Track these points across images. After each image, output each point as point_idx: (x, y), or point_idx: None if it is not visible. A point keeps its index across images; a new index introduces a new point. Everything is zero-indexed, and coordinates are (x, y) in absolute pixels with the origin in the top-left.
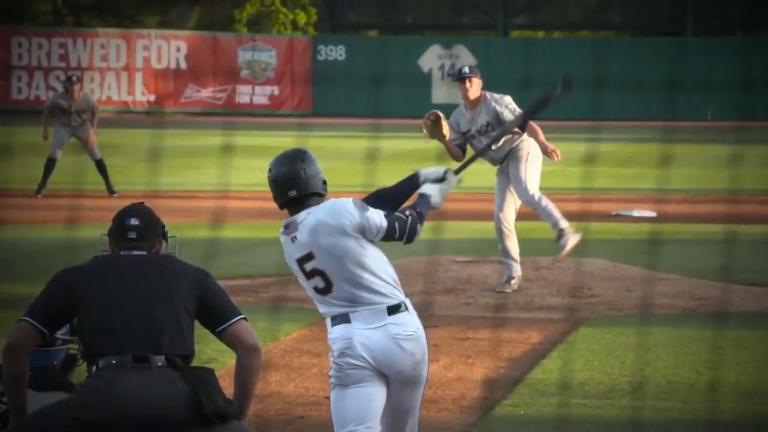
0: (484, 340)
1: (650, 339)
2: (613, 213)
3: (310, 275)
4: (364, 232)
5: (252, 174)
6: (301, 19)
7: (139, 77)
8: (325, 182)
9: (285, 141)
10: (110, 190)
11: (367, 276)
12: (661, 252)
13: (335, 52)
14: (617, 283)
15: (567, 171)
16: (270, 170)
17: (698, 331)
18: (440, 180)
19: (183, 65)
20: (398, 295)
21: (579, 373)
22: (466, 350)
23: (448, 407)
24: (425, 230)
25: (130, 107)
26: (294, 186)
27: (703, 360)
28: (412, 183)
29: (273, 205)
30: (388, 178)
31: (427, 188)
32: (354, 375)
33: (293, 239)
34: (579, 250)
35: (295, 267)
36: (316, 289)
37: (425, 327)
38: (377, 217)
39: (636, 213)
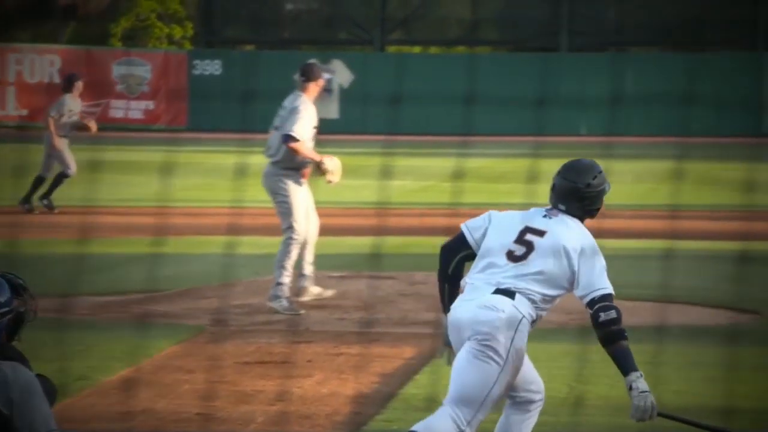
0: (357, 356)
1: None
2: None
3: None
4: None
5: (121, 189)
6: (177, 33)
7: (11, 91)
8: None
9: (156, 156)
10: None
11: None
12: None
13: (211, 67)
14: None
15: (440, 186)
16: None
17: (569, 345)
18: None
19: (56, 79)
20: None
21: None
22: (339, 366)
23: (321, 423)
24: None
25: (2, 122)
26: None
27: (574, 374)
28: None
29: (143, 220)
30: (258, 193)
31: None
32: None
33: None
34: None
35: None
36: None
37: (298, 342)
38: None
39: None
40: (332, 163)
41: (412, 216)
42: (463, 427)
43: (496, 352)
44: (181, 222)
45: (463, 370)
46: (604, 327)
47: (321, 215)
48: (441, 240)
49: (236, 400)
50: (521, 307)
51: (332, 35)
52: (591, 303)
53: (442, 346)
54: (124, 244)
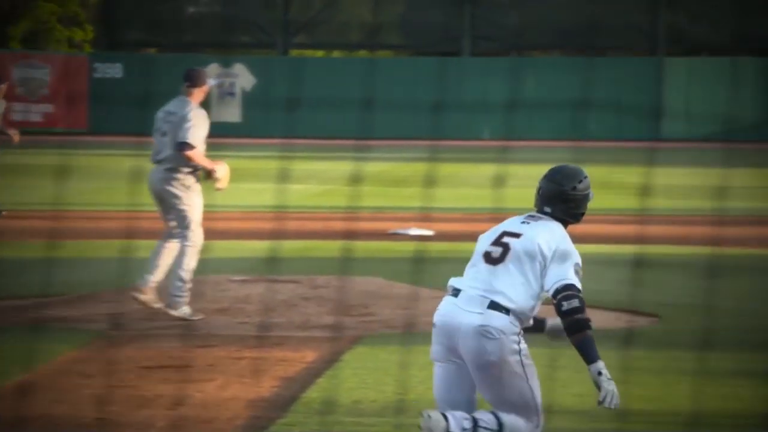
0: (259, 360)
1: (425, 357)
2: (390, 232)
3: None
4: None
5: (18, 193)
6: (78, 36)
7: None
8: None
9: (54, 160)
10: None
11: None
12: (437, 270)
13: (112, 70)
14: (393, 302)
15: (341, 190)
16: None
17: None
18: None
19: None
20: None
21: (354, 391)
22: (241, 370)
23: (221, 427)
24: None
25: None
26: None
27: None
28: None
29: (40, 223)
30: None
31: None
32: None
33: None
34: (358, 268)
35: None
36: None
37: (199, 346)
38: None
39: (413, 232)
40: (222, 171)
41: (313, 219)
42: (534, 424)
43: (513, 371)
44: (79, 226)
45: (496, 394)
46: (568, 316)
47: (222, 219)
48: (341, 244)
49: (136, 405)
50: (515, 321)
51: (234, 39)
52: (555, 293)
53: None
54: (21, 248)
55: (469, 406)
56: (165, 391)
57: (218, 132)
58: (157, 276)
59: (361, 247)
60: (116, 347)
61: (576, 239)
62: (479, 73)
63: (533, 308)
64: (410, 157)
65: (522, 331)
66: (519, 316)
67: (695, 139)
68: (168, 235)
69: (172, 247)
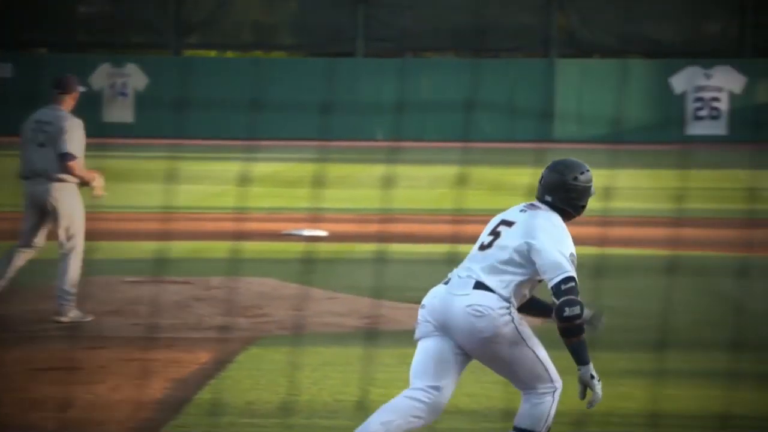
0: (151, 361)
1: (319, 358)
2: (284, 232)
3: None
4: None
5: None
6: None
7: None
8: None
9: None
10: None
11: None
12: (332, 271)
13: (2, 70)
14: (287, 303)
15: (233, 191)
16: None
17: (366, 349)
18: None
19: None
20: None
21: (247, 392)
22: (133, 371)
23: (113, 429)
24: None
25: None
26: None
27: (370, 378)
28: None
29: None
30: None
31: None
32: None
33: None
34: (251, 269)
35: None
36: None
37: (91, 348)
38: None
39: (307, 232)
40: (99, 182)
41: (205, 220)
42: (553, 387)
43: (511, 339)
44: None
45: (504, 367)
46: (567, 321)
47: (113, 220)
48: (234, 245)
49: (25, 408)
50: (502, 294)
51: (126, 39)
52: (556, 289)
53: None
54: None
55: (443, 378)
56: (54, 393)
57: (111, 132)
58: (8, 274)
59: (255, 248)
60: (4, 349)
61: (463, 240)
62: (373, 74)
63: (521, 288)
64: (304, 158)
65: (513, 304)
66: (505, 293)
67: (586, 140)
68: (24, 243)
69: (24, 255)
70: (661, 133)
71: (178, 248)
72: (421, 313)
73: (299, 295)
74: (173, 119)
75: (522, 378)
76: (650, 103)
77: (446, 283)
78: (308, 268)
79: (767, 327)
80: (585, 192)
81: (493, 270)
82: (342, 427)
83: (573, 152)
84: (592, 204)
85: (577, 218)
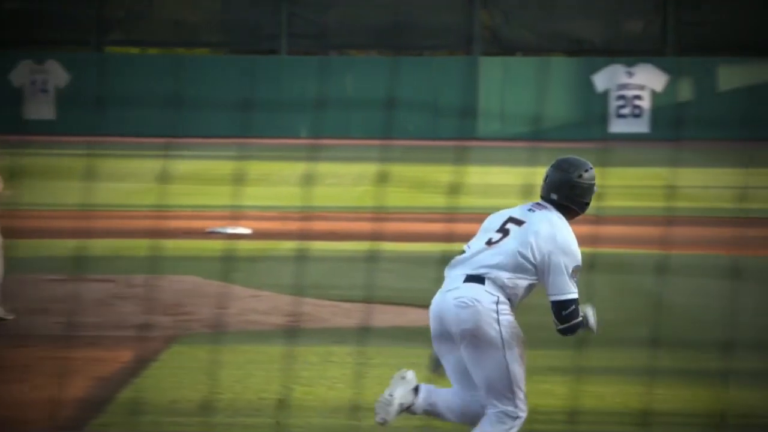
0: (73, 360)
1: (242, 356)
2: (207, 230)
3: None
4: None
5: None
6: None
7: None
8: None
9: None
10: None
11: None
12: (255, 269)
13: None
14: (210, 301)
15: (156, 188)
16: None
17: (290, 347)
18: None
19: None
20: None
21: (170, 391)
22: (54, 370)
23: (35, 428)
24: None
25: None
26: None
27: (294, 376)
28: None
29: None
30: None
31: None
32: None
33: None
34: (175, 267)
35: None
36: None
37: (13, 347)
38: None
39: (230, 230)
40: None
41: (126, 218)
42: (515, 413)
43: (490, 339)
44: None
45: (477, 369)
46: (563, 334)
47: (33, 218)
48: (157, 243)
49: None
50: (493, 290)
51: (48, 35)
52: (556, 314)
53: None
54: None
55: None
56: None
57: (32, 130)
58: None
59: (178, 245)
60: None
61: (387, 238)
62: (296, 72)
63: (521, 289)
64: (228, 156)
65: (505, 303)
66: (500, 288)
67: (510, 138)
68: None
69: None
70: (583, 131)
71: (100, 246)
72: (430, 325)
73: (222, 293)
74: (96, 116)
75: (487, 385)
76: (573, 101)
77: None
78: (231, 266)
79: (686, 323)
80: (589, 189)
81: (497, 268)
82: (265, 425)
83: (496, 150)
84: (510, 202)
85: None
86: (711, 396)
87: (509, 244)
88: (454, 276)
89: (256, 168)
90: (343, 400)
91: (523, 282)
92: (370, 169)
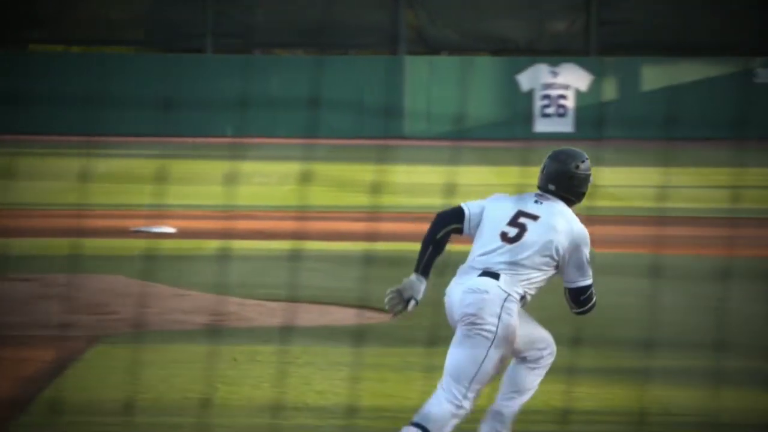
0: None
1: (166, 355)
2: (132, 229)
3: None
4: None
5: None
6: None
7: None
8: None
9: None
10: None
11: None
12: (179, 268)
13: None
14: (134, 300)
15: (79, 187)
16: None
17: (216, 346)
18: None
19: None
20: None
21: (94, 391)
22: None
23: None
24: None
25: None
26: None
27: (219, 375)
28: None
29: None
30: None
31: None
32: None
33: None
34: (100, 266)
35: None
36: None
37: None
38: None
39: (156, 229)
40: None
41: (45, 217)
42: (459, 402)
43: (484, 330)
44: None
45: (455, 349)
46: (577, 314)
47: None
48: (82, 241)
49: None
50: (505, 286)
51: None
52: (574, 299)
53: (401, 300)
54: None
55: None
56: None
57: None
58: None
59: (102, 244)
60: None
61: (310, 237)
62: (222, 71)
63: (535, 283)
64: (151, 154)
65: (514, 302)
66: (515, 284)
67: (435, 137)
68: None
69: None
70: (508, 130)
71: (21, 245)
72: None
73: (146, 292)
74: (15, 115)
75: (453, 366)
76: (498, 100)
77: (456, 276)
78: (156, 265)
79: (607, 322)
80: (586, 180)
81: (517, 265)
82: (189, 424)
83: (421, 149)
84: (433, 201)
85: (417, 215)
86: (631, 394)
87: (529, 239)
88: (469, 269)
89: (181, 167)
90: (268, 399)
91: (543, 276)
92: (296, 168)
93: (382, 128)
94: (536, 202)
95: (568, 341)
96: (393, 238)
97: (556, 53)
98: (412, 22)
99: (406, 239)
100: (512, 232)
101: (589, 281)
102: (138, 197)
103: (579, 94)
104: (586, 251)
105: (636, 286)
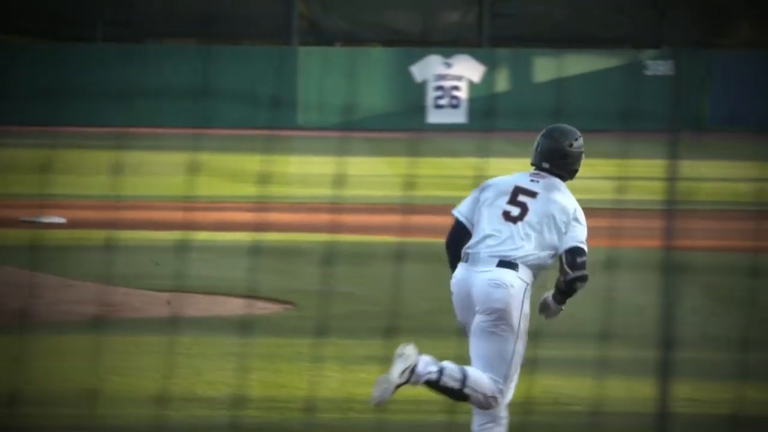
0: None
1: (54, 346)
2: (21, 219)
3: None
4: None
5: None
6: None
7: None
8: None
9: None
10: None
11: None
12: (68, 258)
13: None
14: (22, 290)
15: None
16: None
17: (102, 336)
18: None
19: None
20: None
21: None
22: None
23: None
24: None
25: None
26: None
27: (108, 366)
28: None
29: None
30: None
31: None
32: None
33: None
34: None
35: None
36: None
37: None
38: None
39: (44, 219)
40: None
41: None
42: (501, 386)
43: (509, 325)
44: None
45: (481, 343)
46: (572, 283)
47: None
48: None
49: None
50: (524, 276)
51: None
52: (571, 261)
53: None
54: None
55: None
56: None
57: None
58: None
59: None
60: None
61: (196, 227)
62: (112, 60)
63: (543, 265)
64: (39, 144)
65: (531, 289)
66: (529, 270)
67: (329, 128)
68: None
69: None
70: (402, 121)
71: None
72: (453, 300)
73: (34, 282)
74: None
75: (484, 361)
76: (392, 91)
77: (466, 261)
78: (44, 256)
79: None
80: (579, 157)
81: (526, 248)
82: (75, 415)
83: (314, 140)
84: (325, 191)
85: (309, 205)
86: (519, 383)
87: (532, 219)
88: (484, 258)
89: (69, 157)
90: (157, 390)
91: (549, 254)
92: (185, 158)
93: (275, 119)
94: (532, 180)
95: (455, 331)
96: (283, 228)
97: (449, 44)
98: (305, 12)
99: (296, 230)
100: (514, 211)
101: (586, 245)
102: (26, 187)
103: (472, 86)
104: (582, 219)
105: None
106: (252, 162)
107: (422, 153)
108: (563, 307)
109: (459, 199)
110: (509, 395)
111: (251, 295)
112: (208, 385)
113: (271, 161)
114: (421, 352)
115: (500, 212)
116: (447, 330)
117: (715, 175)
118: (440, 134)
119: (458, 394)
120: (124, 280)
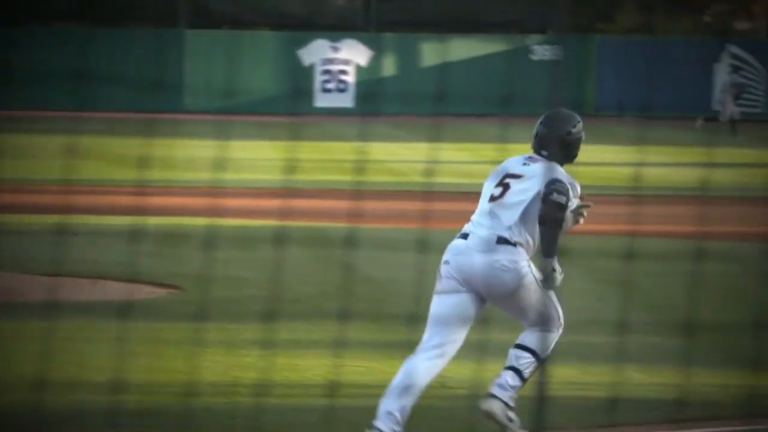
0: None
1: None
2: None
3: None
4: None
5: None
6: None
7: None
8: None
9: None
10: None
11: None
12: None
13: None
14: None
15: None
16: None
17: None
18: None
19: None
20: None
21: None
22: None
23: None
24: None
25: None
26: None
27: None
28: None
29: None
30: None
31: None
32: None
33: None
34: None
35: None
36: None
37: None
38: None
39: None
40: None
41: None
42: (558, 326)
43: (529, 288)
44: None
45: (523, 313)
46: (550, 207)
47: None
48: None
49: None
50: (522, 249)
51: None
52: (547, 186)
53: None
54: None
55: (463, 331)
56: None
57: None
58: None
59: None
60: None
61: (78, 210)
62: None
63: (536, 232)
64: None
65: (529, 248)
66: (524, 244)
67: (216, 111)
68: None
69: None
70: (289, 105)
71: None
72: (445, 269)
73: None
74: None
75: (535, 319)
76: (279, 75)
77: (464, 238)
78: None
79: (378, 296)
80: (578, 143)
81: (511, 220)
82: (22, 402)
83: (200, 124)
84: (208, 175)
85: (193, 189)
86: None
87: (518, 196)
88: (481, 236)
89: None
90: (36, 376)
91: (536, 221)
92: (65, 141)
93: (163, 102)
94: (524, 164)
95: (337, 315)
96: (167, 212)
97: (336, 28)
98: None
99: (180, 213)
100: (497, 191)
101: (564, 182)
102: None
103: (359, 70)
104: (576, 186)
105: (408, 261)
106: (135, 146)
107: (308, 137)
108: (556, 266)
109: (341, 183)
110: (562, 317)
111: (136, 280)
112: (90, 370)
113: (153, 145)
114: (303, 336)
115: (487, 195)
116: (330, 314)
117: (596, 160)
118: (327, 118)
119: (544, 361)
120: (5, 264)
